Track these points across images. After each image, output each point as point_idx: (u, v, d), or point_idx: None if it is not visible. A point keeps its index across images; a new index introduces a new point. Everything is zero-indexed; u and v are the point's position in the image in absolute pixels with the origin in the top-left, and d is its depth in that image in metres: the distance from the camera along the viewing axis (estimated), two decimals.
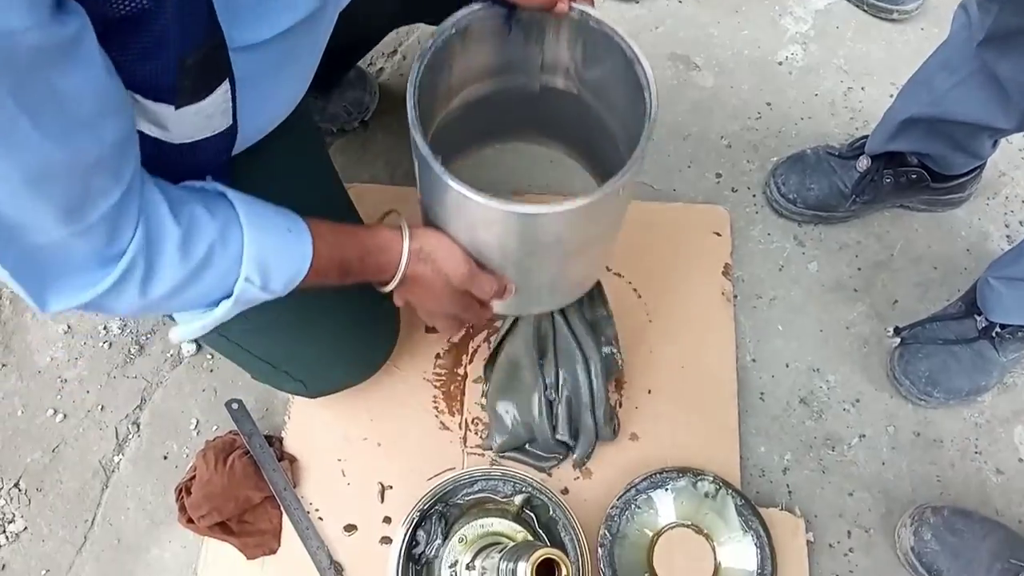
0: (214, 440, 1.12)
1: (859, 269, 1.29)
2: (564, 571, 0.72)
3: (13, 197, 0.52)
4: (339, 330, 0.99)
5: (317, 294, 0.94)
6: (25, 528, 1.11)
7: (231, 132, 0.69)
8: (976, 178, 1.28)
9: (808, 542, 1.09)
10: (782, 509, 1.10)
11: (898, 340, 1.18)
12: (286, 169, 0.88)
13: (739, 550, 1.05)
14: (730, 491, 1.07)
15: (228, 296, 0.70)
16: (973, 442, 1.17)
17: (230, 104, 0.66)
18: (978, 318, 1.15)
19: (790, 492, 1.13)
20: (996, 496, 1.14)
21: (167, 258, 0.63)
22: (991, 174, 1.36)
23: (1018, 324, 1.12)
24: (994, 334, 1.14)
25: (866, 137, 1.27)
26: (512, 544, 0.91)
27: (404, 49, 1.48)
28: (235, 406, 1.12)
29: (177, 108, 0.60)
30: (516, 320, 1.18)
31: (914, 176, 1.24)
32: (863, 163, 1.24)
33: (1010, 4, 0.94)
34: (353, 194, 1.06)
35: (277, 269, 0.71)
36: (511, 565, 0.78)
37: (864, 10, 1.54)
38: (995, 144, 1.19)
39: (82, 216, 0.56)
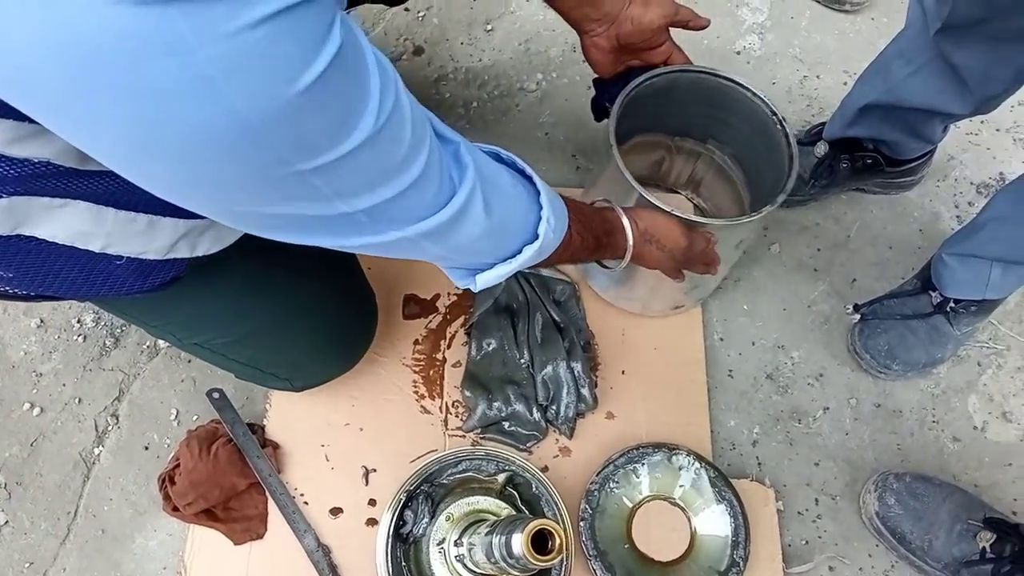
0: (196, 429, 1.12)
1: (819, 250, 1.35)
2: (558, 540, 0.75)
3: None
4: (321, 329, 1.00)
5: (292, 299, 0.96)
6: (7, 522, 1.10)
7: None
8: (927, 162, 1.35)
9: (778, 510, 1.13)
10: (753, 480, 1.15)
11: (858, 316, 1.24)
12: None
13: (713, 519, 1.10)
14: (703, 464, 1.11)
15: (533, 241, 0.73)
16: (931, 412, 1.23)
17: None
18: (933, 294, 1.21)
19: (760, 464, 1.18)
20: (953, 462, 1.21)
21: (502, 178, 0.70)
22: (940, 158, 1.43)
23: (970, 299, 1.18)
24: (948, 308, 1.20)
25: (823, 124, 1.32)
26: (499, 519, 0.94)
27: (369, 39, 1.49)
28: (216, 395, 1.13)
29: None
30: (491, 307, 1.22)
31: (869, 161, 1.30)
32: (820, 149, 1.30)
33: None
34: None
35: (556, 219, 0.75)
36: (504, 538, 0.81)
37: (818, 0, 1.60)
38: (945, 129, 1.25)
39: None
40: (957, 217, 1.39)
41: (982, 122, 1.49)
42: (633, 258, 0.92)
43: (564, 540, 0.75)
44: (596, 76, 1.10)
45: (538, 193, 0.74)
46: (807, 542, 1.13)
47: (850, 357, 1.25)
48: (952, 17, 1.01)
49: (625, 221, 0.90)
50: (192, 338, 0.92)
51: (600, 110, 1.12)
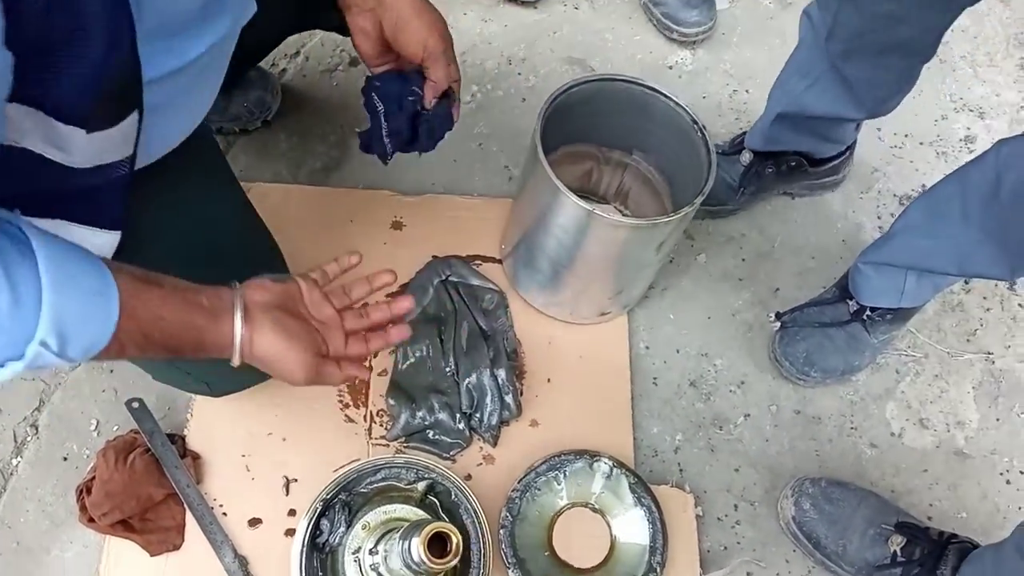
0: (114, 439, 1.11)
1: (743, 260, 1.37)
2: (454, 541, 0.75)
3: None
4: None
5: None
6: None
7: (131, 159, 0.70)
8: (848, 159, 1.39)
9: (697, 516, 1.15)
10: (672, 486, 1.17)
11: (779, 324, 1.26)
12: (186, 179, 0.88)
13: (632, 525, 1.11)
14: (624, 471, 1.13)
15: (18, 359, 0.60)
16: (849, 419, 1.26)
17: (135, 133, 0.67)
18: (850, 302, 1.24)
19: (681, 470, 1.19)
20: (871, 468, 1.23)
21: None
22: (864, 170, 1.47)
23: (886, 307, 1.21)
24: (865, 317, 1.23)
25: (744, 133, 1.36)
26: (409, 524, 0.94)
27: (307, 50, 1.49)
28: (135, 405, 1.12)
29: (88, 132, 0.61)
30: (419, 316, 1.22)
31: (793, 163, 1.33)
32: (746, 157, 1.32)
33: (846, 7, 1.04)
34: (256, 194, 1.08)
35: (77, 336, 0.62)
36: (406, 543, 0.81)
37: (653, 24, 1.61)
38: (858, 127, 1.30)
39: None
40: (879, 228, 1.42)
41: (906, 135, 1.53)
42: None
43: (458, 541, 0.75)
44: (368, 74, 1.00)
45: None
46: (725, 547, 1.15)
47: (771, 365, 1.28)
48: (837, 30, 1.06)
49: (236, 338, 0.73)
50: None
51: (369, 108, 0.99)
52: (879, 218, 1.44)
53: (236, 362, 0.75)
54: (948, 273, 1.13)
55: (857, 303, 1.22)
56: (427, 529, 0.75)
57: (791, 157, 1.33)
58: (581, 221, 1.05)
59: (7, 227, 0.60)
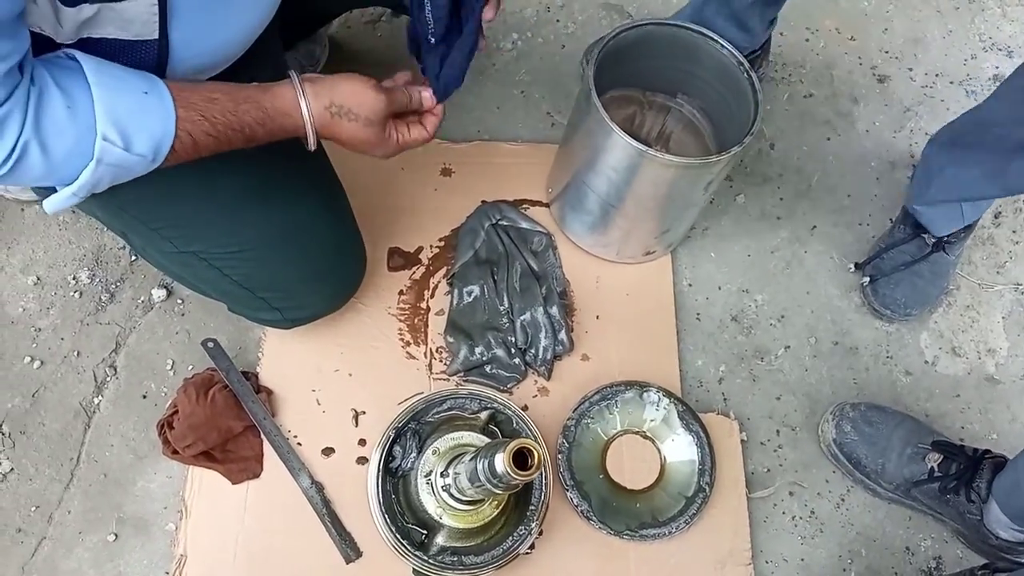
0: (192, 377, 1.18)
1: (781, 199, 1.42)
2: (536, 456, 0.82)
3: None
4: (316, 253, 1.06)
5: (289, 215, 1.00)
6: (12, 469, 1.15)
7: (159, 47, 0.74)
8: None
9: (742, 441, 1.21)
10: (718, 414, 1.23)
11: (867, 279, 1.32)
12: None
13: (682, 449, 1.17)
14: (672, 399, 1.19)
15: (90, 158, 0.71)
16: (885, 348, 1.32)
17: (156, 16, 0.71)
18: (925, 236, 1.29)
19: (725, 399, 1.26)
20: (905, 394, 1.29)
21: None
22: (897, 110, 1.50)
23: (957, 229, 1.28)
24: (944, 243, 1.29)
25: None
26: (481, 447, 1.00)
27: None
28: (211, 344, 1.19)
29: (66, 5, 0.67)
30: (471, 259, 1.28)
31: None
32: None
33: None
34: None
35: (138, 129, 0.72)
36: (488, 461, 0.87)
37: None
38: (773, 23, 1.35)
39: None
40: (912, 166, 1.46)
41: (937, 75, 1.56)
42: (325, 136, 0.86)
43: (541, 457, 0.82)
44: None
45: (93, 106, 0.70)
46: (768, 470, 1.22)
47: (859, 305, 1.34)
48: None
49: (302, 102, 0.82)
50: (190, 245, 0.98)
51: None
52: (912, 156, 1.48)
53: (310, 130, 0.83)
54: (994, 196, 1.18)
55: (933, 236, 1.28)
56: (512, 445, 0.81)
57: None
58: (633, 160, 1.10)
59: (55, 57, 0.71)
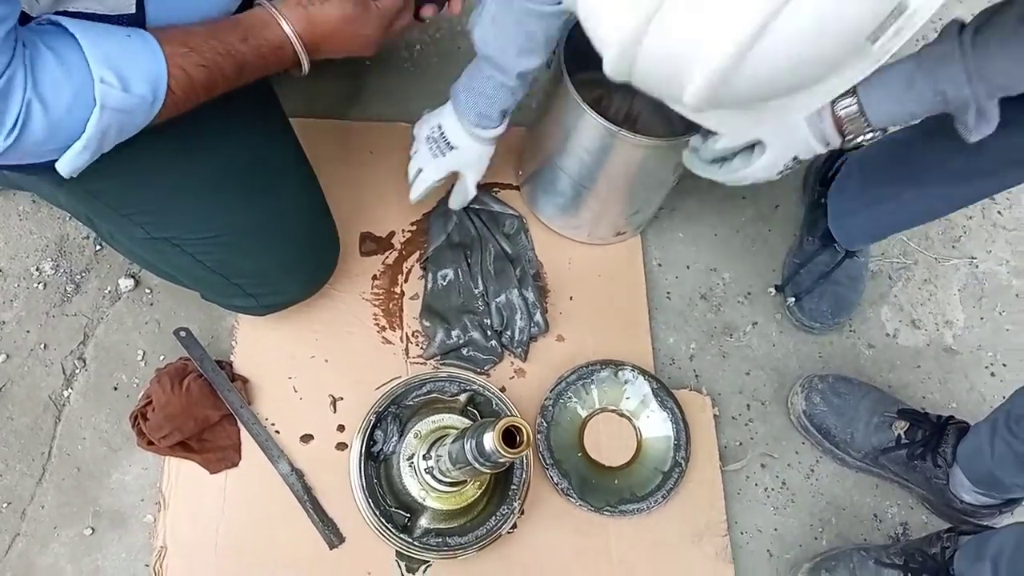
0: (166, 367, 1.16)
1: None
2: (525, 434, 0.83)
3: None
4: (290, 239, 1.06)
5: (265, 200, 1.00)
6: None
7: (135, 20, 0.76)
8: None
9: (714, 416, 1.25)
10: (691, 390, 1.26)
11: (793, 298, 1.32)
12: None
13: (657, 426, 1.20)
14: (646, 377, 1.21)
15: (93, 105, 0.73)
16: (847, 322, 1.36)
17: None
18: (836, 246, 1.30)
19: (697, 375, 1.28)
20: (868, 366, 1.33)
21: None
22: None
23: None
24: (856, 250, 1.32)
25: None
26: (465, 429, 1.01)
27: None
28: (183, 333, 1.17)
29: None
30: (444, 242, 1.28)
31: None
32: None
33: None
34: None
35: (131, 69, 0.74)
36: (475, 440, 0.88)
37: None
38: None
39: None
40: None
41: None
42: (311, 38, 0.86)
43: (530, 435, 0.83)
44: None
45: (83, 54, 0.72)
46: (740, 443, 1.25)
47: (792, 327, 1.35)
48: None
49: (271, 8, 0.84)
50: (163, 231, 0.97)
51: None
52: None
53: (290, 32, 0.84)
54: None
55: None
56: (501, 423, 0.82)
57: None
58: (605, 141, 1.11)
59: (35, 24, 0.73)
